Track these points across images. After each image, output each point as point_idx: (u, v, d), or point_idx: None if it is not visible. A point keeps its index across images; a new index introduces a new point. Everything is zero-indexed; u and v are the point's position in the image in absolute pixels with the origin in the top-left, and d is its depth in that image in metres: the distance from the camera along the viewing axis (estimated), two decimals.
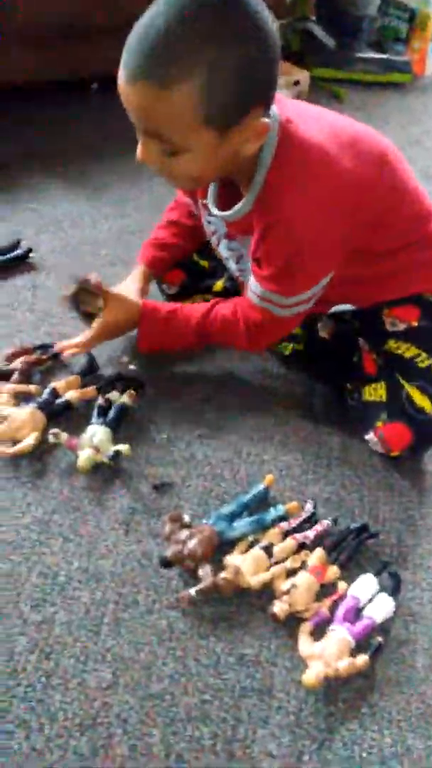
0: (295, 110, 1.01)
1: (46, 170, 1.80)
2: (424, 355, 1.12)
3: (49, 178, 1.77)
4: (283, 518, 1.02)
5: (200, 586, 0.91)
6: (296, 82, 2.30)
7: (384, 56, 2.58)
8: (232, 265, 1.21)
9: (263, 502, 1.06)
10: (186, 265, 1.36)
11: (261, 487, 1.06)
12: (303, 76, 2.33)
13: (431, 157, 2.14)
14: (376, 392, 1.11)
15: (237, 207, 1.04)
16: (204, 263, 1.35)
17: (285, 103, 1.01)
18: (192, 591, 0.91)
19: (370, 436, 1.12)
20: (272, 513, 1.02)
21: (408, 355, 1.12)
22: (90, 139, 1.97)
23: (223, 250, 1.18)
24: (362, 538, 1.01)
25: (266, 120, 0.91)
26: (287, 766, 0.79)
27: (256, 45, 0.84)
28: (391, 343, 1.14)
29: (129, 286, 1.27)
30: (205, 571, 0.93)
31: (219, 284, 1.35)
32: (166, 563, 0.94)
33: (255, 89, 0.88)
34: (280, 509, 1.03)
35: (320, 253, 1.02)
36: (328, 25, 2.52)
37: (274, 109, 0.96)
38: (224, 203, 1.08)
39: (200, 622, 0.91)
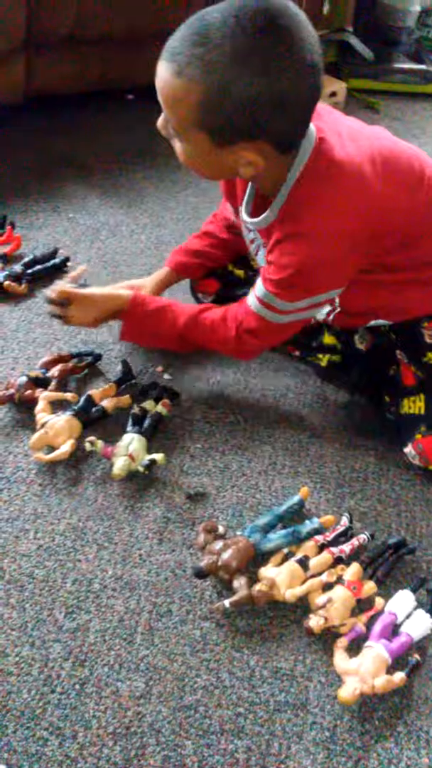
0: (334, 127, 1.00)
1: (84, 180, 1.83)
2: None
3: (86, 188, 1.80)
4: (318, 531, 1.01)
5: (234, 598, 0.91)
6: (333, 94, 2.30)
7: (422, 67, 2.57)
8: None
9: (298, 514, 1.05)
10: (221, 274, 1.36)
11: (296, 499, 1.05)
12: (340, 87, 2.33)
13: None
14: (415, 405, 1.10)
15: (263, 215, 1.05)
16: (239, 272, 1.35)
17: (326, 119, 1.01)
18: (226, 602, 0.90)
19: (408, 449, 1.10)
20: (307, 525, 1.01)
21: None
22: (127, 150, 1.99)
23: (260, 260, 1.18)
24: (400, 554, 1.00)
25: (259, 158, 0.93)
26: None
27: (278, 94, 0.86)
28: (430, 355, 1.13)
29: (140, 281, 1.33)
30: (239, 583, 0.92)
31: None
32: (201, 574, 0.93)
33: (254, 128, 0.90)
34: (316, 522, 1.02)
35: (330, 272, 1.02)
36: (366, 36, 2.51)
37: (312, 125, 0.96)
38: (256, 212, 1.08)
39: (234, 634, 0.90)
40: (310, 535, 1.00)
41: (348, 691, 0.83)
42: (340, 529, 1.02)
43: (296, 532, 1.00)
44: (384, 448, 1.17)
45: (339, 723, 0.83)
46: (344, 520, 1.03)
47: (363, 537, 1.01)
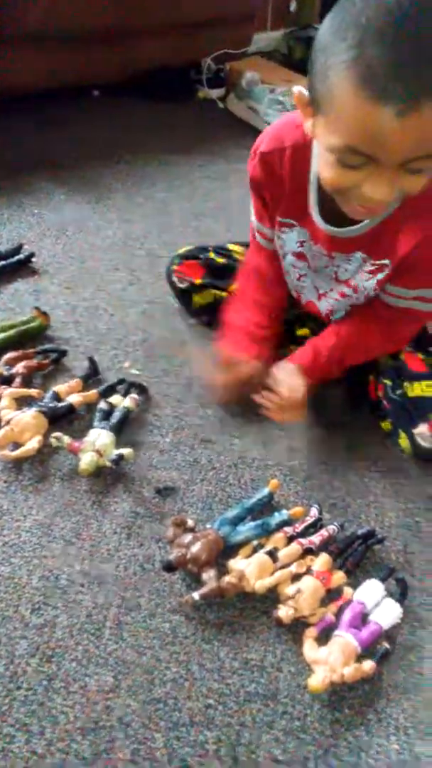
0: None
1: (50, 175, 1.81)
2: None
3: (53, 184, 1.78)
4: (287, 523, 1.01)
5: (204, 590, 0.90)
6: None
7: None
8: (291, 280, 1.18)
9: (268, 506, 1.05)
10: (205, 260, 1.34)
11: (265, 491, 1.05)
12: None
13: None
14: (429, 389, 1.11)
15: (368, 222, 0.97)
16: (220, 260, 1.34)
17: None
18: (195, 595, 0.90)
19: (422, 428, 1.09)
20: (277, 517, 1.01)
21: None
22: (94, 146, 1.98)
23: (286, 264, 1.16)
24: (368, 544, 1.00)
25: None
26: None
27: None
28: None
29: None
30: (208, 575, 0.92)
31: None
32: (170, 567, 0.93)
33: None
34: (285, 514, 1.02)
35: None
36: None
37: None
38: (330, 218, 1.01)
39: (204, 626, 0.90)
40: (279, 527, 1.00)
41: (317, 680, 0.83)
42: (310, 520, 1.02)
43: (265, 524, 1.00)
44: (354, 441, 1.18)
45: (309, 712, 0.83)
46: (313, 512, 1.03)
47: (332, 528, 1.01)
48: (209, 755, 0.78)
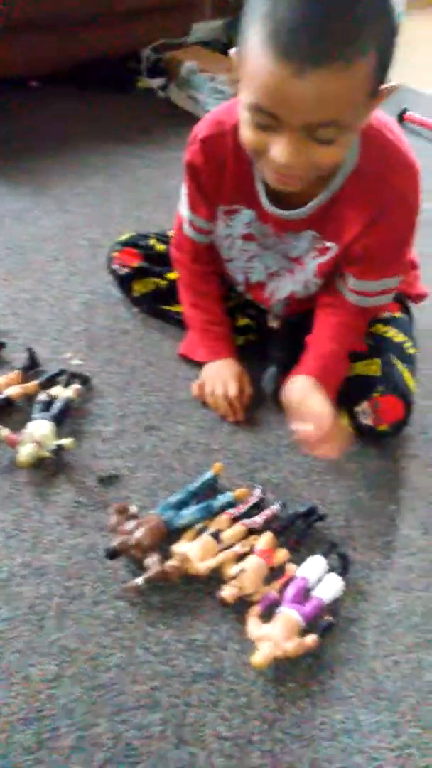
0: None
1: None
2: (409, 343, 1.17)
3: None
4: (231, 505, 1.02)
5: (147, 574, 0.90)
6: None
7: None
8: (239, 264, 1.16)
9: (211, 489, 1.05)
10: (143, 247, 1.33)
11: (209, 474, 1.05)
12: None
13: None
14: (369, 368, 1.11)
15: (315, 201, 0.97)
16: (161, 248, 1.33)
17: None
18: (138, 580, 0.89)
19: (362, 406, 1.10)
20: (220, 500, 1.02)
21: (397, 339, 1.15)
22: (33, 137, 1.95)
23: (233, 251, 1.15)
24: (311, 521, 1.02)
25: (395, 84, 0.80)
26: (237, 747, 0.78)
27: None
28: (379, 326, 1.17)
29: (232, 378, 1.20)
30: (152, 560, 0.92)
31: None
32: (113, 554, 0.92)
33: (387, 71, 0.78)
34: (229, 496, 1.03)
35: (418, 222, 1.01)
36: None
37: None
38: (278, 203, 1.01)
39: (148, 610, 0.90)
40: (222, 509, 1.01)
41: (261, 656, 0.83)
42: (253, 501, 1.03)
43: (209, 507, 1.00)
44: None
45: (254, 688, 0.84)
46: (257, 493, 1.04)
47: (275, 507, 1.02)
48: (155, 737, 0.78)
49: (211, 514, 1.00)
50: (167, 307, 1.32)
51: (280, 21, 0.68)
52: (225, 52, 2.48)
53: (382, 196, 0.94)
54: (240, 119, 0.83)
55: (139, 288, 1.33)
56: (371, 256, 1.00)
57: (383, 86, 0.80)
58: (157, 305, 1.34)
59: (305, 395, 1.02)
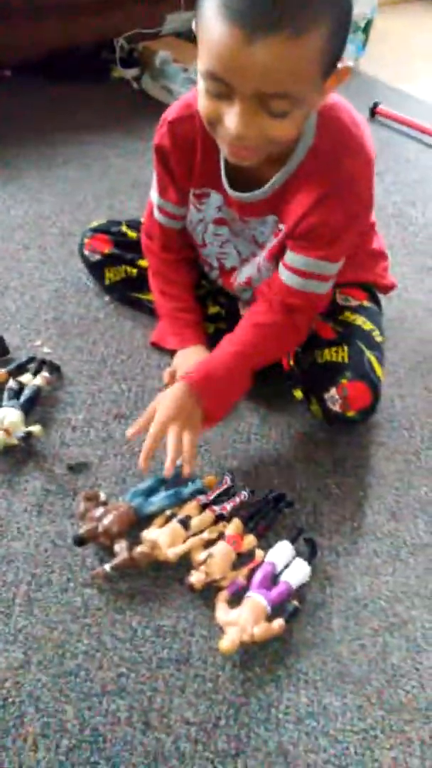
0: None
1: None
2: (377, 331, 1.17)
3: None
4: (200, 492, 1.02)
5: (115, 561, 0.90)
6: None
7: None
8: (213, 250, 1.16)
9: (181, 477, 1.05)
10: (114, 233, 1.33)
11: (178, 462, 1.05)
12: None
13: None
14: (338, 354, 1.11)
15: (270, 183, 0.97)
16: (132, 235, 1.32)
17: None
18: (107, 567, 0.89)
19: (331, 393, 1.09)
20: (190, 487, 1.02)
21: (366, 327, 1.16)
22: (4, 126, 1.92)
23: (207, 236, 1.14)
24: (279, 507, 1.02)
25: (349, 64, 0.81)
26: (204, 732, 0.78)
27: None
28: (348, 314, 1.17)
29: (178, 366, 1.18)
30: (120, 547, 0.92)
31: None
32: (80, 541, 0.92)
33: (342, 50, 0.79)
34: (198, 483, 1.03)
35: (366, 217, 1.01)
36: None
37: None
38: (240, 186, 1.01)
39: (116, 597, 0.90)
40: (192, 497, 1.01)
41: (228, 641, 0.84)
42: (222, 488, 1.03)
43: (178, 494, 1.00)
44: (266, 411, 1.19)
45: (221, 674, 0.84)
46: (226, 480, 1.04)
47: (243, 494, 1.02)
48: (121, 722, 0.78)
49: (181, 501, 1.00)
50: (139, 295, 1.32)
51: None
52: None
53: (333, 176, 0.95)
54: (197, 90, 0.83)
55: (110, 276, 1.33)
56: (311, 233, 1.00)
57: (339, 65, 0.80)
58: (129, 293, 1.33)
59: (165, 404, 0.98)
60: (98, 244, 1.31)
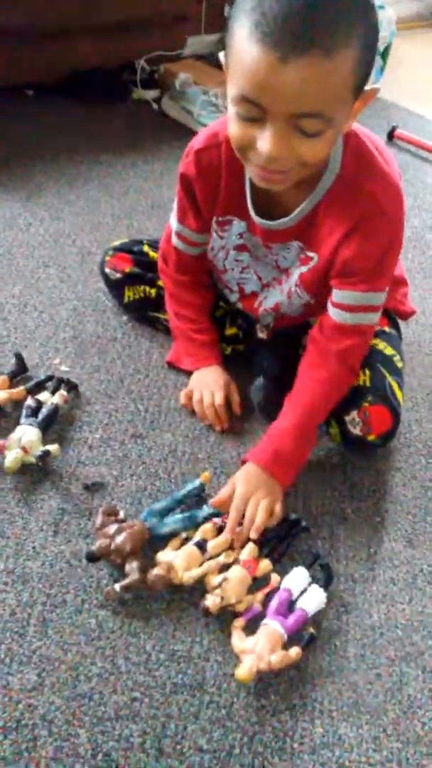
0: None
1: None
2: (398, 357, 1.17)
3: None
4: (216, 514, 1.02)
5: (125, 581, 0.89)
6: None
7: None
8: (233, 275, 1.17)
9: (198, 498, 1.05)
10: (136, 253, 1.33)
11: (197, 483, 1.05)
12: None
13: None
14: (359, 378, 1.11)
15: (298, 210, 0.98)
16: (153, 255, 1.32)
17: None
18: (116, 586, 0.89)
19: (352, 415, 1.09)
20: (205, 510, 1.02)
21: (387, 352, 1.15)
22: (26, 144, 1.95)
23: (227, 262, 1.15)
24: (294, 532, 1.01)
25: (376, 86, 0.85)
26: (217, 760, 0.77)
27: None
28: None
29: (215, 390, 1.20)
30: (131, 567, 0.91)
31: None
32: (92, 557, 0.92)
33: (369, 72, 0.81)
34: (211, 508, 1.02)
35: (401, 236, 1.01)
36: None
37: None
38: (261, 212, 1.03)
39: (131, 620, 0.89)
40: (207, 519, 1.01)
41: (245, 669, 0.83)
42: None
43: (193, 516, 1.00)
44: None
45: (235, 700, 0.83)
46: None
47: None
48: (134, 748, 0.77)
49: (195, 524, 1.00)
50: (157, 314, 1.32)
51: (265, 11, 0.71)
52: (219, 66, 2.51)
53: (360, 204, 0.95)
54: (228, 116, 0.84)
55: (129, 294, 1.33)
56: (351, 267, 1.00)
57: (367, 87, 0.82)
58: (147, 312, 1.34)
59: (243, 482, 1.01)
60: (119, 262, 1.32)
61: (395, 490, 1.12)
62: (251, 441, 1.17)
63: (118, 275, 1.33)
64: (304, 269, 1.06)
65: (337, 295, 1.04)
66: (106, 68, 2.34)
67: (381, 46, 2.76)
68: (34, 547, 0.95)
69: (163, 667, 0.85)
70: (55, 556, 0.95)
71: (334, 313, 1.05)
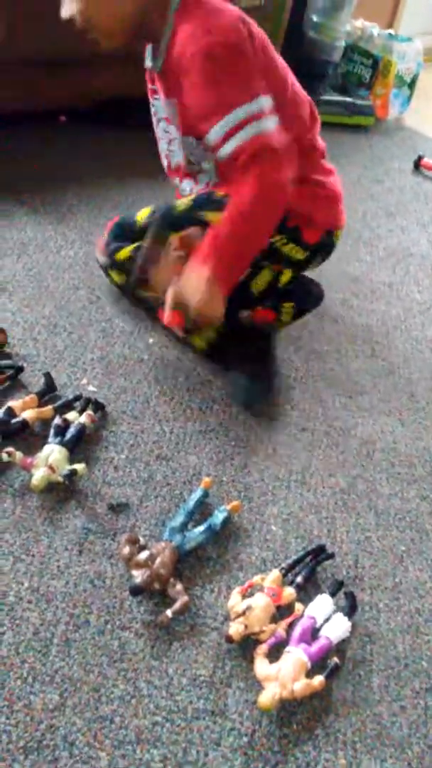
0: None
1: (13, 196, 1.81)
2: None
3: (16, 205, 1.78)
4: (228, 519, 1.03)
5: (177, 606, 0.89)
6: None
7: (348, 99, 2.67)
8: (163, 146, 1.36)
9: (204, 504, 1.06)
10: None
11: (200, 492, 1.06)
12: None
13: (391, 195, 2.21)
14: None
15: (157, 58, 1.19)
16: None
17: None
18: (168, 613, 0.89)
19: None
20: (219, 516, 1.02)
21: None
22: (59, 168, 1.99)
23: (159, 132, 1.33)
24: (319, 559, 1.01)
25: None
26: None
27: None
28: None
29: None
30: (175, 591, 0.91)
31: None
32: (138, 591, 0.91)
33: None
34: (224, 510, 1.04)
35: (239, 50, 1.08)
36: (295, 69, 2.60)
37: None
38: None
39: (153, 642, 0.89)
40: (225, 525, 1.02)
41: (267, 696, 0.82)
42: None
43: (212, 526, 1.01)
44: (307, 459, 1.19)
45: (257, 728, 0.82)
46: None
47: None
48: None
49: (215, 533, 1.01)
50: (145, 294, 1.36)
51: None
52: None
53: (188, 50, 1.07)
54: None
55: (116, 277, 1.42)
56: (197, 105, 1.10)
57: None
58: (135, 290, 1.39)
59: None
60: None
61: (421, 518, 1.11)
62: (274, 465, 1.16)
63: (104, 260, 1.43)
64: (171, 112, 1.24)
65: (211, 132, 1.09)
66: (138, 95, 2.38)
67: (408, 77, 2.79)
68: (58, 566, 0.96)
69: (185, 691, 0.84)
70: (79, 576, 0.95)
71: (223, 151, 1.09)
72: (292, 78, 1.27)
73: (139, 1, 1.13)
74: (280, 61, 1.24)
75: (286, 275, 1.34)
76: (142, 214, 1.42)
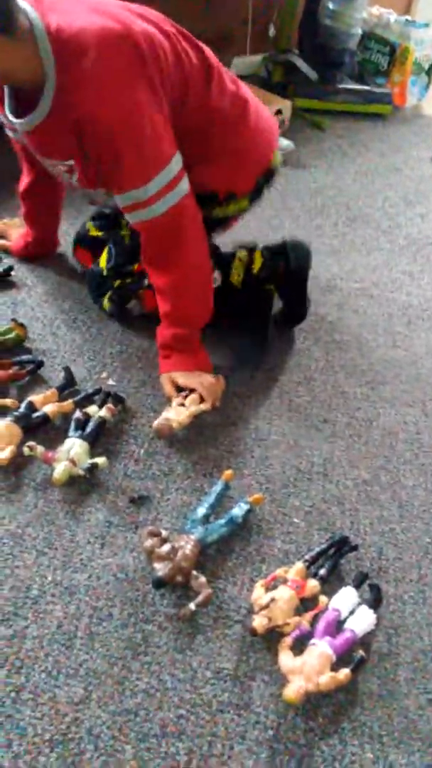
0: (53, 4, 1.01)
1: None
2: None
3: None
4: (249, 511, 1.02)
5: (200, 599, 0.89)
6: (278, 111, 2.35)
7: (365, 88, 2.64)
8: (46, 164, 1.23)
9: (225, 496, 1.06)
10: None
11: (221, 484, 1.06)
12: (285, 105, 2.37)
13: (410, 183, 2.18)
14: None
15: (33, 114, 1.05)
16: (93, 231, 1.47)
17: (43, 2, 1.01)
18: (192, 605, 0.88)
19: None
20: (241, 508, 1.02)
21: None
22: None
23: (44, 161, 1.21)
24: (343, 551, 1.00)
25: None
26: None
27: None
28: None
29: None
30: (199, 583, 0.91)
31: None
32: (160, 584, 0.91)
33: None
34: (245, 503, 1.03)
35: (140, 127, 1.03)
36: (311, 58, 2.57)
37: (36, 17, 0.97)
38: (24, 113, 1.08)
39: (177, 635, 0.89)
40: (246, 517, 1.01)
41: (293, 690, 0.82)
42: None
43: (234, 518, 1.00)
44: (328, 450, 1.18)
45: (282, 722, 0.82)
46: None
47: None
48: (180, 767, 0.76)
49: (237, 525, 1.00)
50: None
51: None
52: (264, 86, 2.53)
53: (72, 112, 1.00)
54: None
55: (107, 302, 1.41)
56: (98, 160, 1.06)
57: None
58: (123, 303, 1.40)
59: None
60: (82, 257, 1.50)
61: None
62: (296, 456, 1.15)
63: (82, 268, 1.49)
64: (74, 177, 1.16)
65: (118, 201, 1.11)
66: None
67: (426, 64, 2.75)
68: (81, 560, 0.96)
69: (210, 685, 0.84)
70: (102, 569, 0.95)
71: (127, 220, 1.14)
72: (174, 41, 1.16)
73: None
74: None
75: (258, 262, 1.36)
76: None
